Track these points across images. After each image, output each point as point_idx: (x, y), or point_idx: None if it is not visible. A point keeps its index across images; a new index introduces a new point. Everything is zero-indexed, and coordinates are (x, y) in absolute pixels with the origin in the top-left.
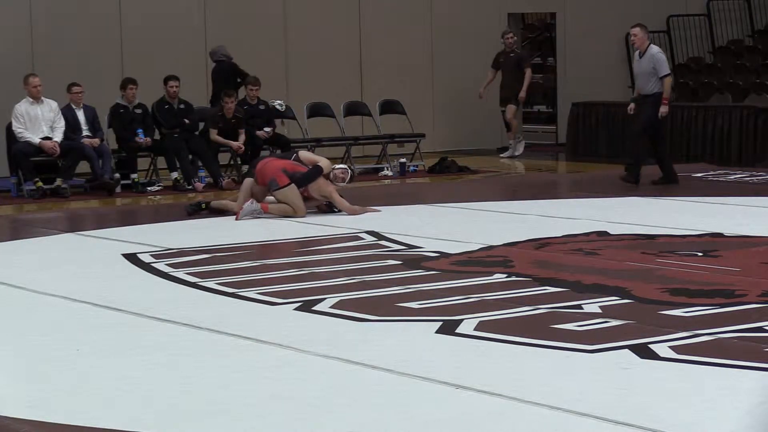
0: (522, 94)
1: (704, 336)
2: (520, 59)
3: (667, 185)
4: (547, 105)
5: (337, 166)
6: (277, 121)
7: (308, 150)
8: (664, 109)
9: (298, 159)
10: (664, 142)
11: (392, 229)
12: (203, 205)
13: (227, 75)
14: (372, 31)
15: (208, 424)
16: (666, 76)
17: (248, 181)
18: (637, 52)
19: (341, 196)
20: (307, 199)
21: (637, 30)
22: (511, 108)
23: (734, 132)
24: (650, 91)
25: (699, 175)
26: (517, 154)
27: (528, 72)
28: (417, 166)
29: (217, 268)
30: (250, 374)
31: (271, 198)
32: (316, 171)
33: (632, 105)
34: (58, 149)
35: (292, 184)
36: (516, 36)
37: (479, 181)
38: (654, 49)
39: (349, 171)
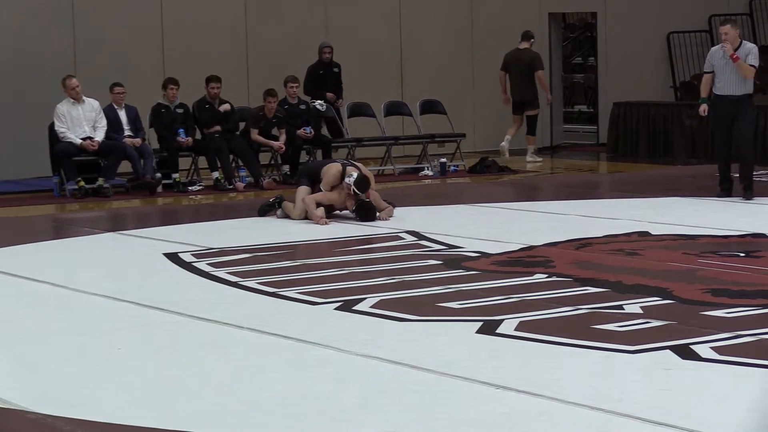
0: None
1: (746, 337)
2: (533, 58)
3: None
4: (588, 105)
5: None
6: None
7: (349, 153)
8: None
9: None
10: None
11: (433, 229)
12: (277, 204)
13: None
14: (412, 31)
15: (249, 423)
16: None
17: (303, 189)
18: (721, 48)
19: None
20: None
21: (728, 27)
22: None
23: None
24: (745, 92)
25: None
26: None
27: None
28: (457, 165)
29: (258, 267)
30: (290, 373)
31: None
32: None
33: (704, 106)
34: (96, 145)
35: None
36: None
37: (519, 181)
38: (750, 43)
39: (352, 187)
